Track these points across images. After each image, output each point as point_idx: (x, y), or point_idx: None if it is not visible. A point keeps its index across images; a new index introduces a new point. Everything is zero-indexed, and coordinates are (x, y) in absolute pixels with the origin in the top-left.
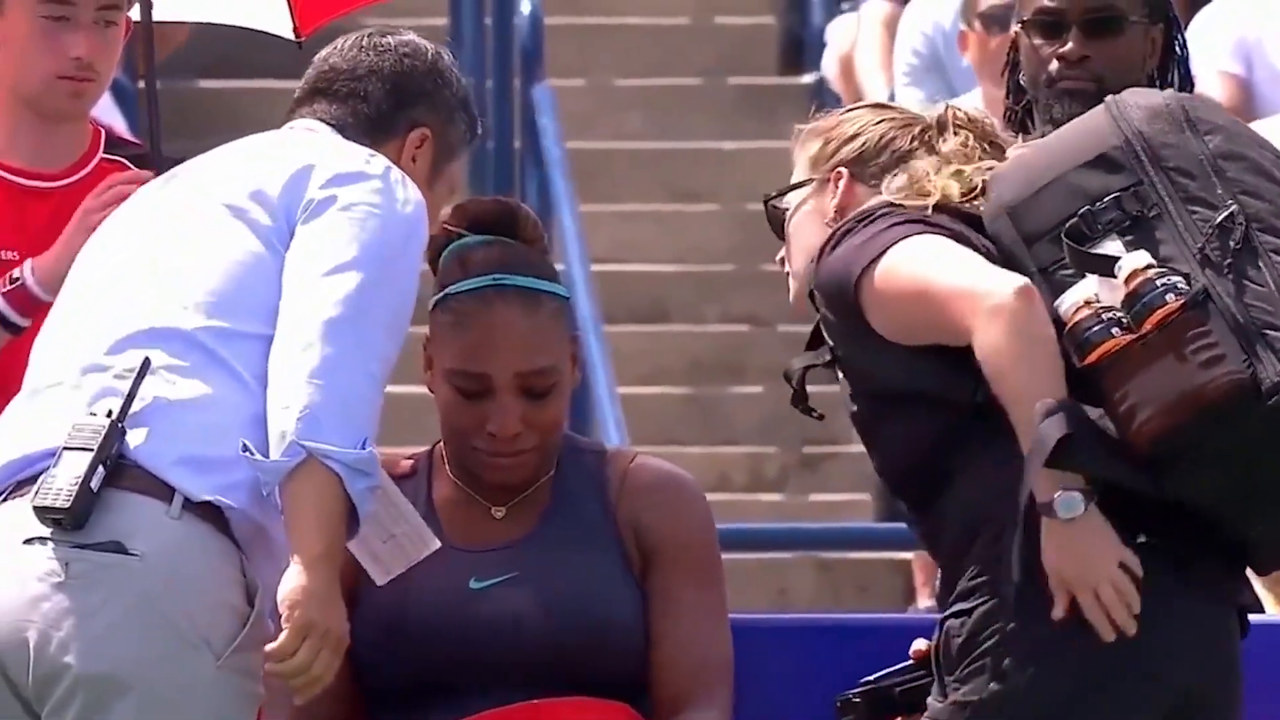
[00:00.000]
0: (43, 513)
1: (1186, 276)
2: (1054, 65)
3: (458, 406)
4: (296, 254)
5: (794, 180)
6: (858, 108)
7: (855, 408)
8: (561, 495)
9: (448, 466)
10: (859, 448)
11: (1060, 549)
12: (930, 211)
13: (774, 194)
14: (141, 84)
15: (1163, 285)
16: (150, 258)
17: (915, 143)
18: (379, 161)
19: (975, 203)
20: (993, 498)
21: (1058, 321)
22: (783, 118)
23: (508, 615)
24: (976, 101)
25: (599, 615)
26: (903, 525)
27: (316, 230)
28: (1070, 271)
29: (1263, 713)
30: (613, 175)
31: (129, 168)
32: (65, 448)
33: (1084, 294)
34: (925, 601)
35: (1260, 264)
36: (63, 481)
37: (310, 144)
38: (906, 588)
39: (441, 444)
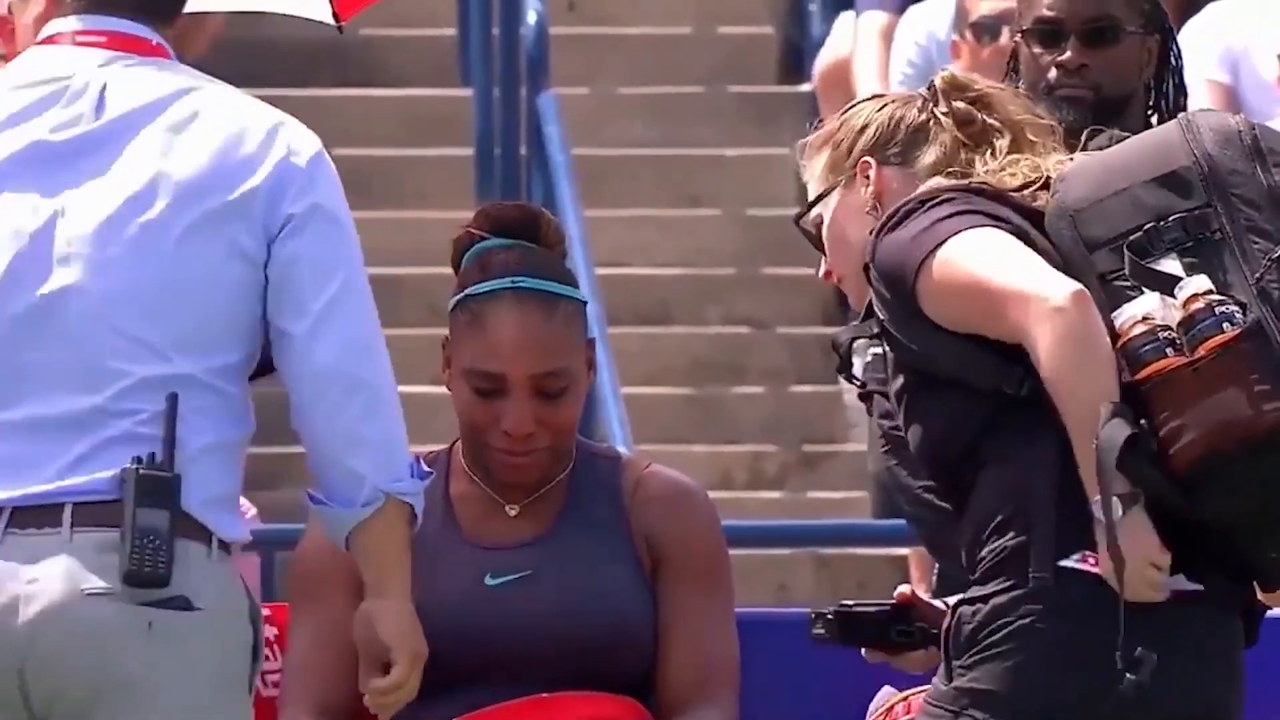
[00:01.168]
0: (138, 577)
1: (1244, 306)
2: (1053, 73)
3: (474, 405)
4: (291, 281)
5: (813, 194)
6: (854, 105)
7: (898, 382)
8: (576, 496)
9: (465, 464)
10: (857, 446)
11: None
12: (989, 201)
13: (800, 212)
14: None
15: (1220, 313)
16: (112, 272)
17: (922, 114)
18: (308, 141)
19: (1028, 194)
20: (1023, 489)
21: (1112, 331)
22: (783, 125)
23: (522, 611)
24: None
25: (612, 614)
26: (900, 522)
27: (301, 252)
28: (1128, 283)
29: (1261, 706)
30: (617, 180)
31: None
32: (136, 504)
33: (1142, 309)
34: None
35: None
36: (151, 545)
37: (233, 118)
38: (903, 582)
39: (459, 442)
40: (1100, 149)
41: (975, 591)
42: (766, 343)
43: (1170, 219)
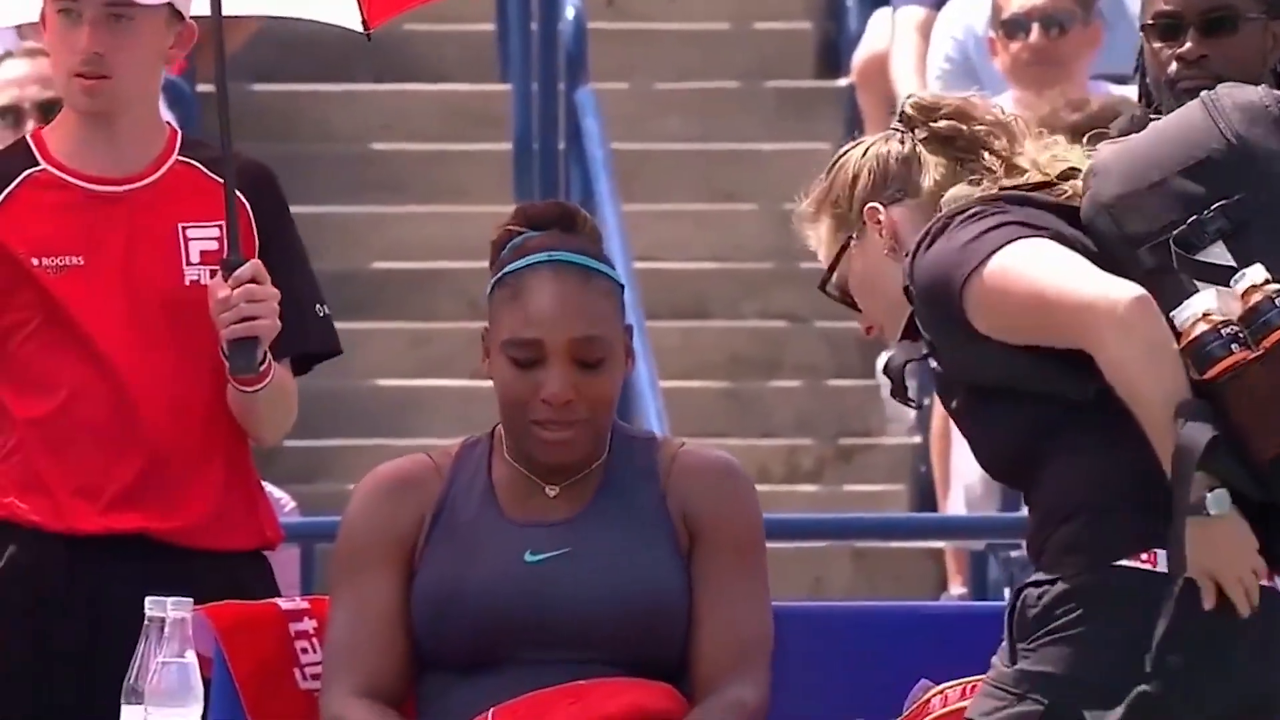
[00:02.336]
0: None
1: None
2: (1173, 66)
3: (513, 378)
4: None
5: (827, 258)
6: (834, 162)
7: (953, 400)
8: (613, 478)
9: (505, 448)
10: (893, 440)
11: (1205, 544)
12: (1020, 206)
13: (822, 282)
14: (200, 86)
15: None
16: None
17: (905, 144)
18: None
19: (1057, 190)
20: (1094, 482)
21: (1173, 329)
22: (820, 120)
23: (561, 588)
24: (1006, 104)
25: (649, 592)
26: (936, 515)
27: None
28: (1180, 278)
29: None
30: (654, 176)
31: (203, 171)
32: None
33: (1203, 306)
34: (957, 589)
35: None
36: None
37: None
38: (939, 576)
39: (500, 427)
40: (1123, 132)
41: (1040, 576)
42: (803, 337)
43: (1213, 209)
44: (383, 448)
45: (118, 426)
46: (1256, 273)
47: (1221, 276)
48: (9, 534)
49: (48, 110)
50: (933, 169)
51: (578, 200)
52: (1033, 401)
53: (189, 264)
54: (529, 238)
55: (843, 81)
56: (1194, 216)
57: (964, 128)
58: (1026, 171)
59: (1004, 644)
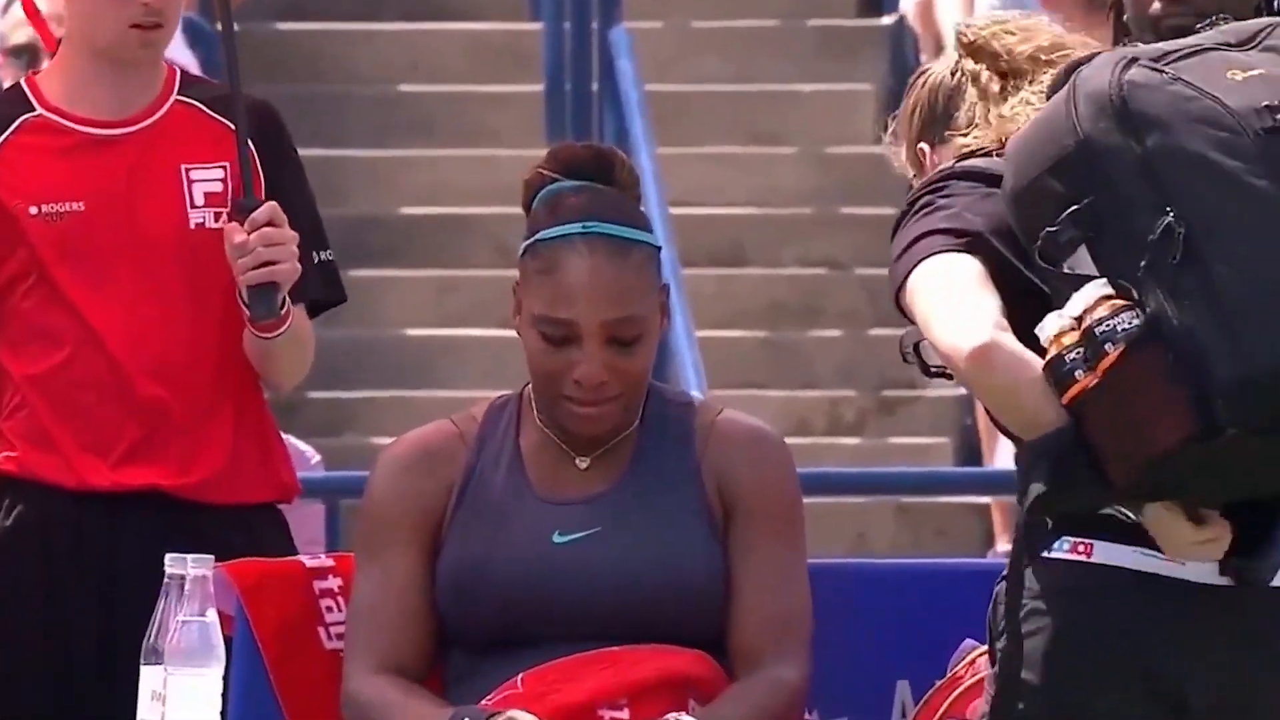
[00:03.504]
0: None
1: (1139, 304)
2: (1155, 5)
3: (544, 353)
4: None
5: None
6: (911, 83)
7: None
8: (647, 447)
9: (535, 411)
10: (938, 391)
11: (1156, 534)
12: (975, 180)
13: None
14: (220, 24)
15: (1107, 328)
16: None
17: (955, 74)
18: None
19: None
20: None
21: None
22: (861, 60)
23: (590, 570)
24: None
25: (681, 575)
26: (982, 469)
27: None
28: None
29: None
30: (691, 118)
31: (204, 110)
32: None
33: (1053, 329)
34: (1005, 546)
35: (1201, 278)
36: None
37: None
38: (986, 532)
39: (529, 387)
40: (1047, 97)
41: (1006, 569)
42: (844, 284)
43: (1061, 219)
44: (409, 399)
45: (124, 379)
46: (1088, 292)
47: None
48: (17, 491)
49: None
50: (965, 108)
51: (612, 143)
52: None
53: (193, 207)
54: (563, 193)
55: (886, 20)
56: (1047, 229)
57: (1000, 59)
58: (1001, 137)
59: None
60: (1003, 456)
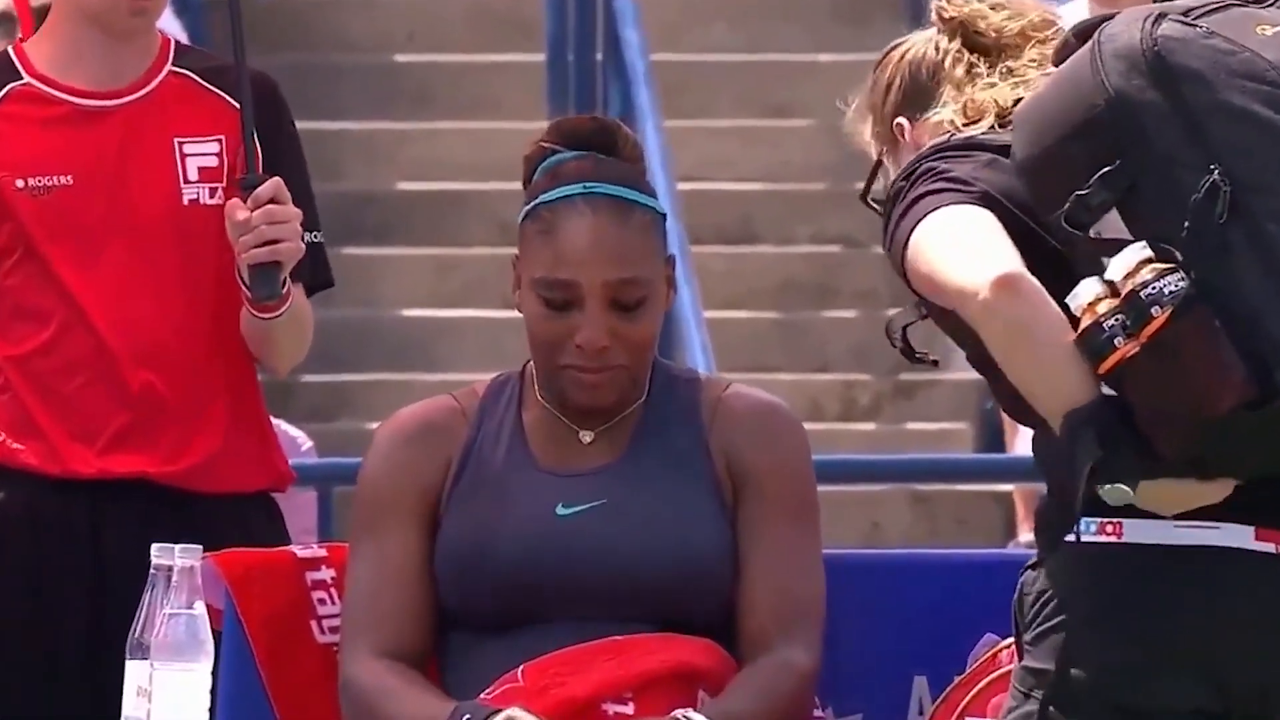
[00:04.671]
0: None
1: (1183, 266)
2: None
3: (545, 319)
4: None
5: (874, 165)
6: (879, 60)
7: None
8: (653, 422)
9: (536, 388)
10: (957, 375)
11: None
12: (969, 151)
13: (862, 191)
14: None
15: (1151, 291)
16: None
17: (937, 51)
18: None
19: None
20: (1053, 454)
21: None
22: (877, 27)
23: (594, 544)
24: (1082, 11)
25: (687, 547)
26: (1003, 455)
27: None
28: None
29: None
30: (699, 89)
31: (200, 82)
32: None
33: (1087, 296)
34: (1027, 535)
35: (1250, 237)
36: None
37: None
38: (1008, 521)
39: (531, 364)
40: (1054, 64)
41: (1034, 558)
42: (860, 263)
43: (1092, 182)
44: (407, 382)
45: (112, 362)
46: (1129, 256)
47: (1119, 251)
48: (3, 477)
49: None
50: (948, 84)
51: (616, 116)
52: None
53: (186, 182)
54: (564, 160)
55: None
56: (1077, 193)
57: (984, 37)
58: (983, 113)
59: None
60: (1024, 443)
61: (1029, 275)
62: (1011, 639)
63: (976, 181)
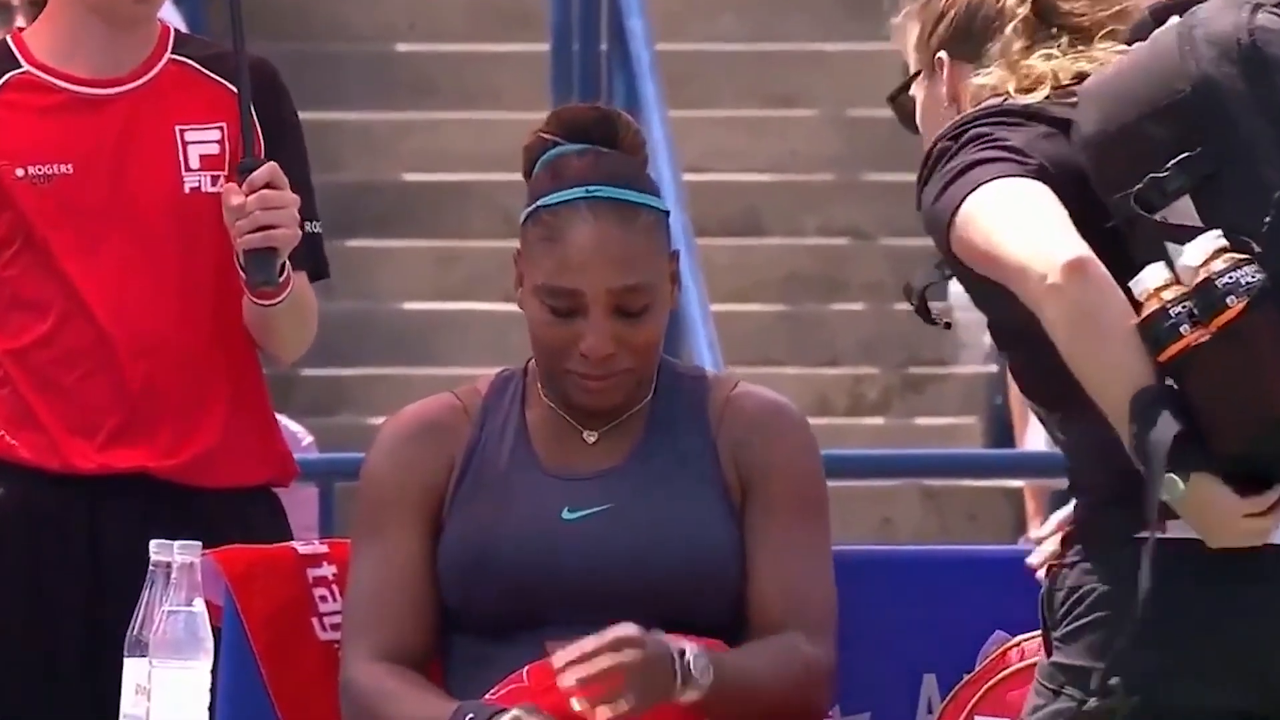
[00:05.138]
0: None
1: (1260, 258)
2: None
3: (548, 325)
4: None
5: (910, 71)
6: None
7: (989, 333)
8: (659, 422)
9: (540, 386)
10: (967, 368)
11: (1191, 520)
12: (1027, 120)
13: (893, 92)
14: None
15: (1228, 281)
16: None
17: (1001, 7)
18: None
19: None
20: (1096, 450)
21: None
22: (887, 17)
23: (601, 548)
24: None
25: (695, 550)
26: (1014, 451)
27: None
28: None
29: None
30: (705, 79)
31: (200, 70)
32: None
33: (1154, 281)
34: (1037, 531)
35: None
36: None
37: None
38: (1018, 517)
39: (533, 362)
40: (1128, 42)
41: (1066, 555)
42: (868, 255)
43: (1170, 165)
44: (407, 376)
45: (111, 354)
46: (1204, 244)
47: (1188, 238)
48: (1, 472)
49: (39, 7)
50: (999, 40)
51: (621, 106)
52: (1050, 353)
53: (188, 170)
54: (564, 156)
55: None
56: (1151, 173)
57: (1061, 13)
58: (1040, 83)
59: (1042, 636)
60: (1034, 438)
61: (1097, 260)
62: (1022, 636)
63: (1034, 153)
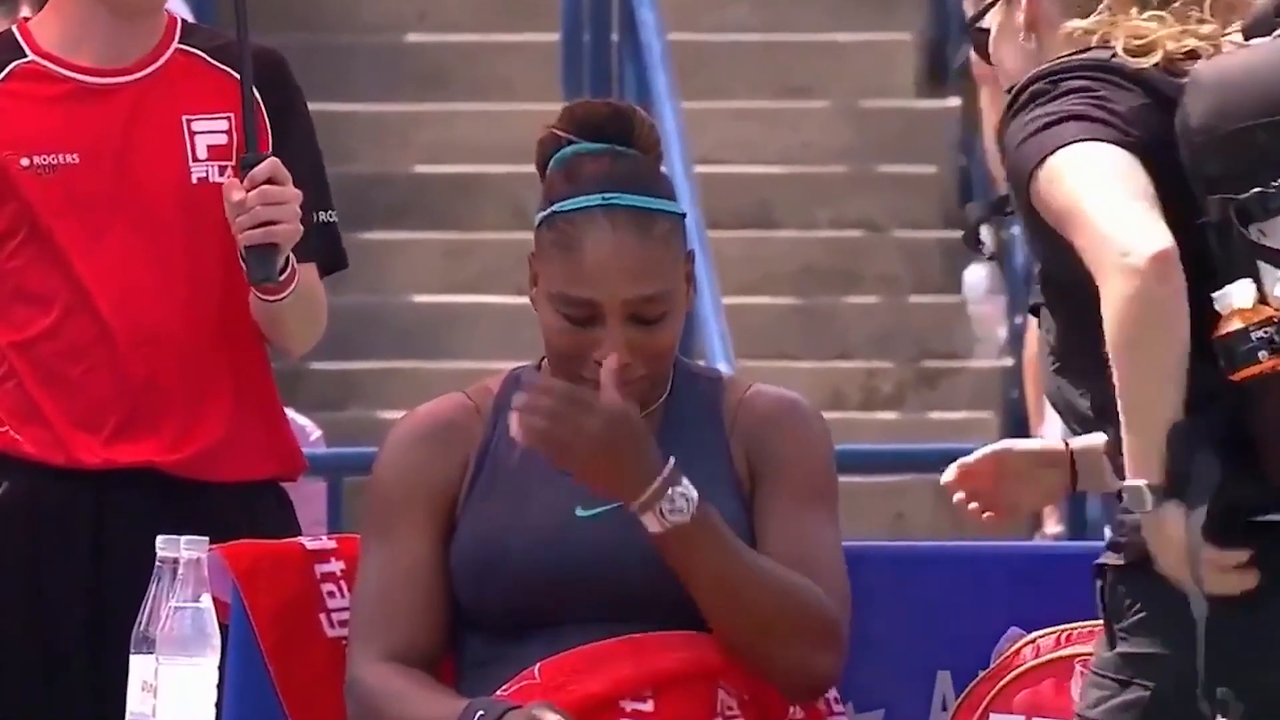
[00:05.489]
0: None
1: None
2: None
3: (563, 333)
4: None
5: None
6: None
7: (1037, 290)
8: (673, 421)
9: None
10: (982, 362)
11: (1150, 538)
12: (1134, 84)
13: (970, 17)
14: None
15: None
16: None
17: None
18: None
19: (1177, 66)
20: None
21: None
22: (900, 6)
23: (614, 545)
24: None
25: None
26: None
27: None
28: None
29: None
30: (717, 70)
31: (208, 60)
32: None
33: (1241, 300)
34: (1053, 528)
35: None
36: None
37: None
38: (1033, 513)
39: (546, 360)
40: (1247, 34)
41: (1118, 539)
42: (881, 247)
43: (1276, 183)
44: (418, 370)
45: (116, 347)
46: None
47: (1277, 260)
48: (5, 467)
49: None
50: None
51: (632, 98)
52: (1092, 324)
53: (195, 160)
54: (580, 157)
55: None
56: (1258, 188)
57: None
58: (1152, 49)
59: (1102, 628)
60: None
61: (1179, 262)
62: (1037, 633)
63: (1137, 127)
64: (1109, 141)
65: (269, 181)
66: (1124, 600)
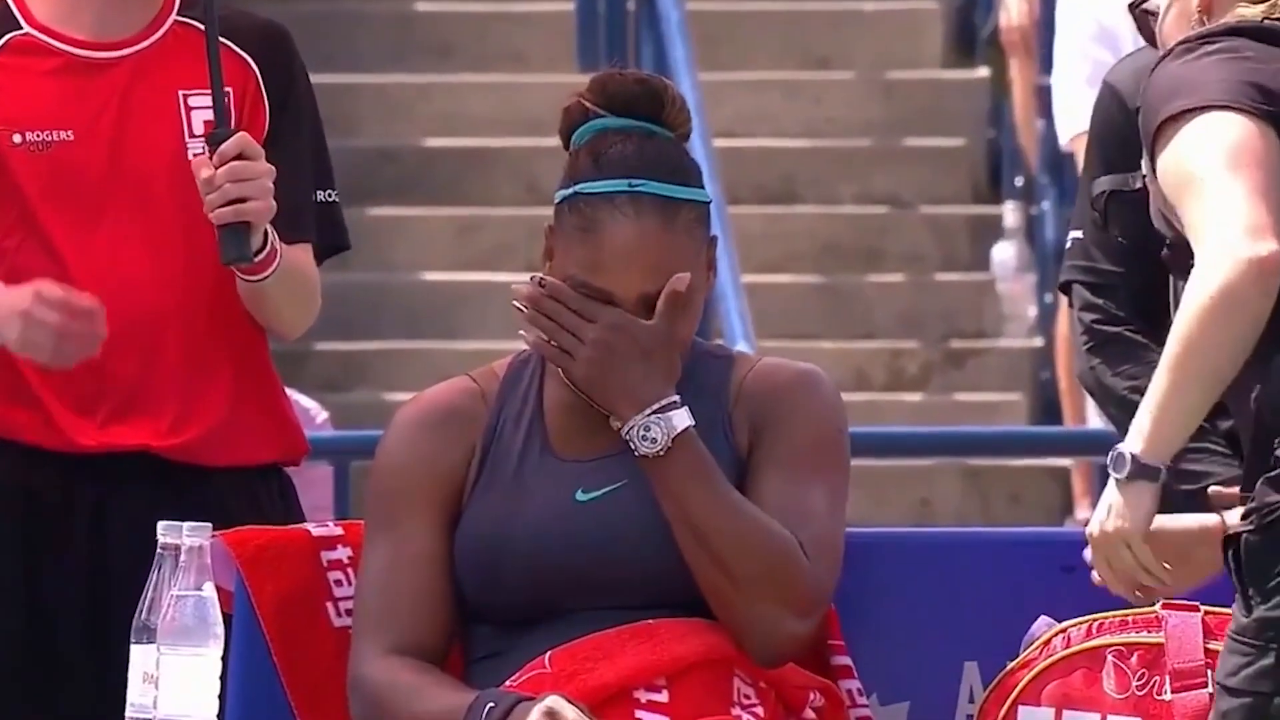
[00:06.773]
0: None
1: None
2: None
3: None
4: None
5: None
6: None
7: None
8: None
9: (561, 369)
10: (1012, 342)
11: (1108, 498)
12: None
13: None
14: None
15: None
16: None
17: None
18: None
19: None
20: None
21: None
22: None
23: (615, 528)
24: None
25: None
26: (1060, 429)
27: None
28: None
29: None
30: (738, 40)
31: (205, 32)
32: None
33: None
34: (1084, 513)
35: None
36: None
37: None
38: (1064, 498)
39: None
40: None
41: (1254, 504)
42: (907, 224)
43: None
44: (426, 351)
45: (114, 326)
46: None
47: None
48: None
49: None
50: None
51: (650, 69)
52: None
53: (192, 136)
54: (606, 135)
55: None
56: None
57: None
58: None
59: (1236, 593)
60: (1095, 416)
61: None
62: (1068, 622)
63: (1276, 101)
64: (1248, 116)
65: (239, 158)
66: (1259, 565)
